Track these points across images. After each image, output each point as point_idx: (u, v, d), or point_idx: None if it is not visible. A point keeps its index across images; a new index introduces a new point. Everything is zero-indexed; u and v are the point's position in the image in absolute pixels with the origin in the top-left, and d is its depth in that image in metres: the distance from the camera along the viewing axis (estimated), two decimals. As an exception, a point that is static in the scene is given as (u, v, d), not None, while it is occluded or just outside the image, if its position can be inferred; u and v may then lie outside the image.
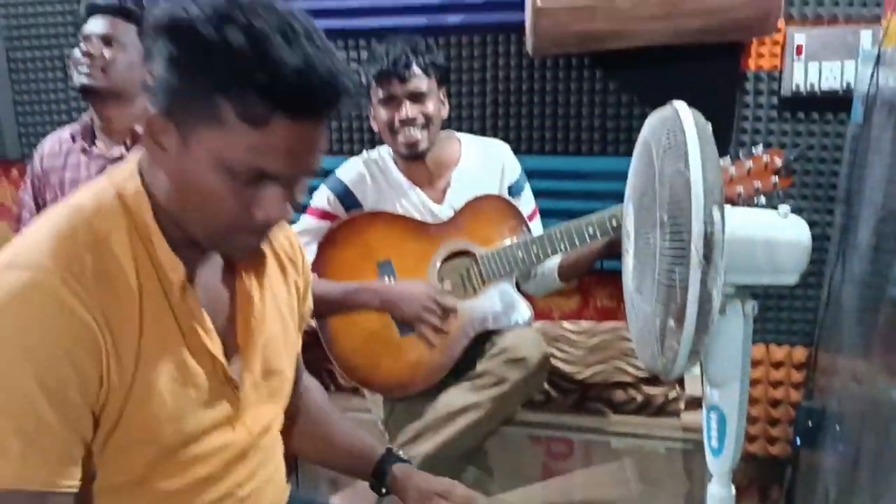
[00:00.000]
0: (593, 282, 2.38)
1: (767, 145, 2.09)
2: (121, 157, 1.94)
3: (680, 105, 1.24)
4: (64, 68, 2.63)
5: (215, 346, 0.96)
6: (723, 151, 1.75)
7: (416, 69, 1.79)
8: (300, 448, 1.26)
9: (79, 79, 1.91)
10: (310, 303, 1.21)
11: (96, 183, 0.94)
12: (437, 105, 1.85)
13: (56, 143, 2.05)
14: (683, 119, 1.20)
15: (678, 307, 1.17)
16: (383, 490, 1.21)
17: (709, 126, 1.20)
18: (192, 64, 0.81)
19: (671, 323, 1.21)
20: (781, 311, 2.26)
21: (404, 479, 1.19)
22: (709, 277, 1.13)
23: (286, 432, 1.17)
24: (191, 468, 0.96)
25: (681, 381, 1.93)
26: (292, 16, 0.82)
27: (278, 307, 1.09)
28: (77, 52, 1.91)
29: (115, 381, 0.86)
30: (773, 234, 1.31)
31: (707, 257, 1.12)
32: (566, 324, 2.25)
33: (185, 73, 0.82)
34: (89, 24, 1.92)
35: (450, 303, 1.78)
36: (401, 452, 1.25)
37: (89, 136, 2.00)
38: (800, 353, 2.26)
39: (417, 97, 1.81)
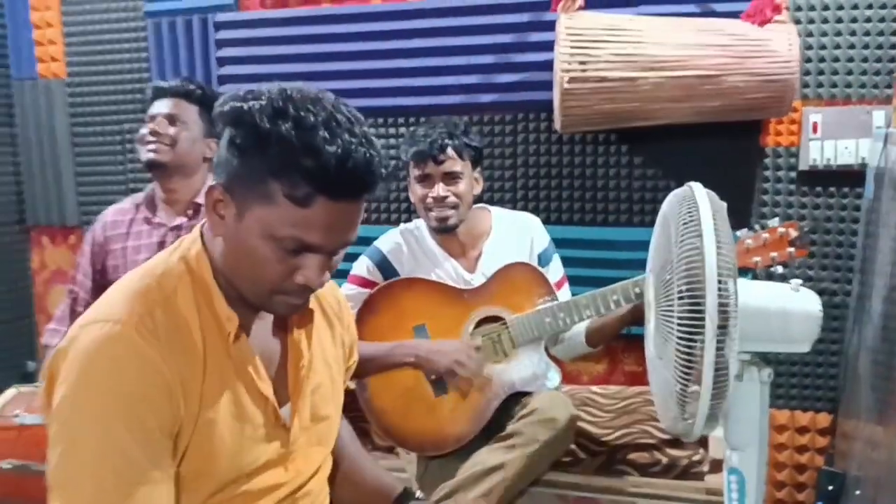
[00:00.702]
0: (621, 347, 2.46)
1: (786, 218, 2.20)
2: (180, 227, 2.11)
3: (696, 186, 1.34)
4: (121, 143, 2.82)
5: (267, 389, 1.08)
6: (742, 223, 1.86)
7: (450, 152, 1.92)
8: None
9: (146, 155, 2.08)
10: (355, 356, 1.33)
11: (167, 250, 1.09)
12: (469, 184, 1.98)
13: (119, 214, 2.21)
14: (699, 199, 1.30)
15: (697, 373, 1.25)
16: None
17: (724, 206, 1.31)
18: (250, 149, 0.94)
19: (690, 388, 1.29)
20: (805, 378, 2.32)
21: None
22: (725, 345, 1.22)
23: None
24: None
25: (705, 444, 1.99)
26: (337, 109, 0.96)
27: (325, 359, 1.21)
28: (144, 131, 2.09)
29: (184, 418, 0.98)
30: (786, 306, 1.39)
31: (722, 326, 1.21)
32: (595, 388, 2.33)
33: (243, 156, 0.95)
34: (155, 106, 2.10)
35: (481, 357, 1.89)
36: (418, 492, 1.33)
37: (152, 206, 2.17)
38: (823, 419, 2.32)
39: (451, 177, 1.94)
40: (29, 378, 2.89)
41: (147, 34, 2.73)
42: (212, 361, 1.02)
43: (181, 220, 2.12)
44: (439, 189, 1.92)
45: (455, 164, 1.93)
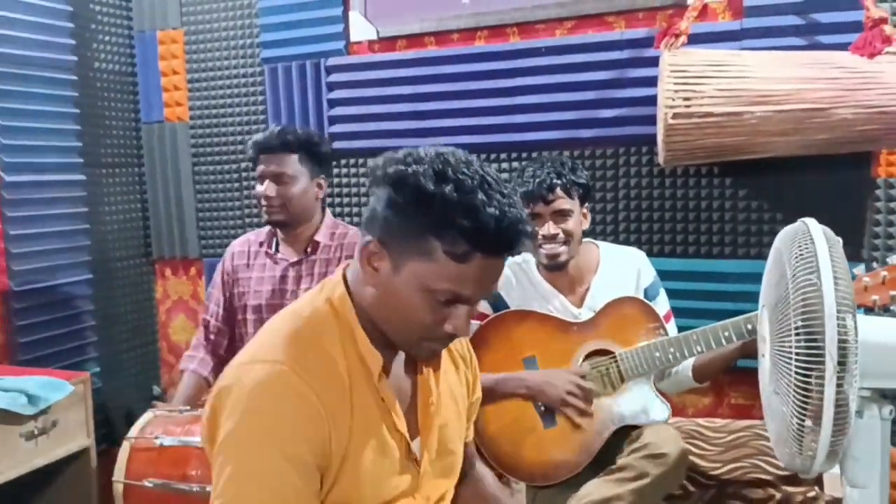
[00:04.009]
0: (727, 380, 2.44)
1: (903, 251, 2.14)
2: (300, 262, 2.25)
3: (810, 221, 1.36)
4: (238, 181, 3.00)
5: (402, 425, 1.16)
6: (855, 257, 1.84)
7: (559, 191, 1.97)
8: None
9: (266, 217, 2.24)
10: (479, 393, 1.40)
11: (311, 292, 1.18)
12: (578, 221, 2.02)
13: (245, 245, 2.37)
14: (814, 234, 1.32)
15: (815, 409, 1.26)
16: None
17: (839, 241, 1.31)
18: (412, 209, 1.03)
19: (808, 423, 1.30)
20: (925, 414, 2.24)
21: None
22: (844, 381, 1.23)
23: None
24: None
25: (820, 482, 1.96)
26: (486, 171, 1.05)
27: (452, 396, 1.28)
28: (258, 190, 2.22)
29: (334, 452, 1.07)
30: None
31: (842, 362, 1.22)
32: (701, 420, 2.32)
33: (404, 215, 1.04)
34: (260, 165, 2.23)
35: (591, 385, 1.93)
36: None
37: (273, 244, 2.32)
38: (946, 458, 2.23)
39: (560, 215, 1.99)
40: (155, 400, 3.09)
41: (264, 79, 2.90)
42: (357, 399, 1.10)
43: (300, 256, 2.25)
44: (549, 227, 1.98)
45: (564, 203, 1.98)
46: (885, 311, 1.76)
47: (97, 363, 2.83)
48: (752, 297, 2.14)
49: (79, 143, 2.77)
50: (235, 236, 2.52)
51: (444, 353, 1.27)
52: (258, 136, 2.26)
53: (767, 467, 2.00)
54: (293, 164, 2.22)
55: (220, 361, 2.43)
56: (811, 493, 1.92)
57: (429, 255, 1.03)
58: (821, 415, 1.26)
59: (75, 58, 2.75)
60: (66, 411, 2.13)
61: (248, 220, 2.99)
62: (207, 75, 3.00)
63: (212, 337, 2.38)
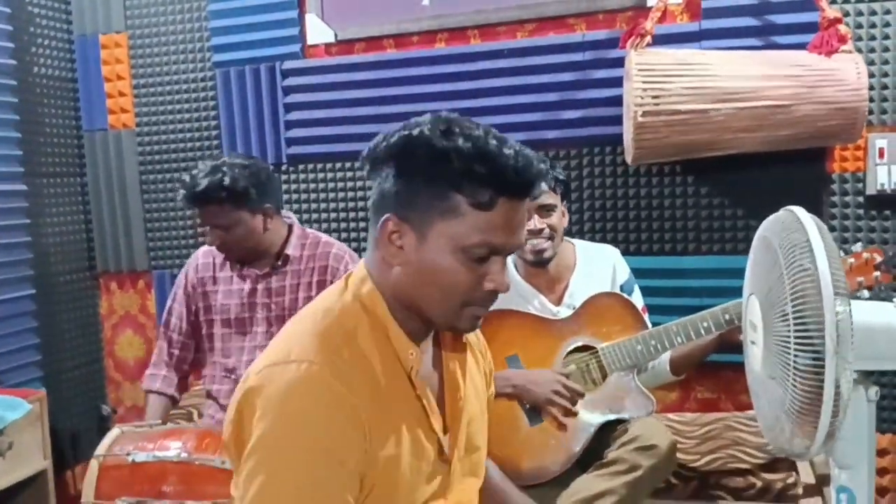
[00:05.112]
0: (693, 375, 2.47)
1: (865, 242, 2.23)
2: (269, 274, 2.18)
3: (798, 209, 1.39)
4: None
5: (439, 425, 1.12)
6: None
7: (544, 185, 1.97)
8: None
9: (226, 260, 2.21)
10: (493, 387, 1.38)
11: (336, 288, 1.14)
12: (560, 217, 2.03)
13: (210, 256, 2.27)
14: (805, 222, 1.35)
15: (808, 392, 1.29)
16: None
17: (826, 228, 1.35)
18: (427, 170, 1.01)
19: (807, 407, 1.32)
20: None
21: None
22: (839, 364, 1.26)
23: None
24: None
25: (796, 469, 2.01)
26: (485, 126, 1.04)
27: (476, 391, 1.25)
28: (208, 241, 2.14)
29: (373, 450, 1.02)
30: (891, 322, 1.42)
31: (837, 345, 1.25)
32: (671, 415, 2.36)
33: (420, 179, 1.02)
34: (200, 215, 2.14)
35: (577, 386, 1.94)
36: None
37: None
38: (927, 442, 2.33)
39: (545, 210, 2.00)
40: (104, 421, 2.95)
41: (216, 83, 2.82)
42: (393, 399, 1.06)
43: (269, 269, 2.19)
44: (535, 222, 1.98)
45: (548, 198, 1.99)
46: (852, 297, 1.82)
47: (41, 382, 2.68)
48: (717, 292, 2.21)
49: (19, 152, 2.65)
50: (187, 247, 2.44)
51: (468, 347, 1.24)
52: (185, 185, 2.10)
53: (744, 457, 2.05)
54: (227, 214, 2.09)
55: (185, 376, 2.35)
56: (790, 479, 1.97)
57: (454, 212, 1.00)
58: (820, 397, 1.28)
59: (14, 62, 2.62)
60: (22, 432, 2.02)
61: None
62: (155, 80, 2.90)
63: (175, 352, 2.28)
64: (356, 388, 1.01)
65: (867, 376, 1.46)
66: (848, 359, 1.27)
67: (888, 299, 1.48)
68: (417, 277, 1.06)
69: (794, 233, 1.36)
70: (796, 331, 1.29)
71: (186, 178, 2.09)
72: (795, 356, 1.29)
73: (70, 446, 2.83)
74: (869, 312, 1.45)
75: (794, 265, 1.33)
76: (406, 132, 1.03)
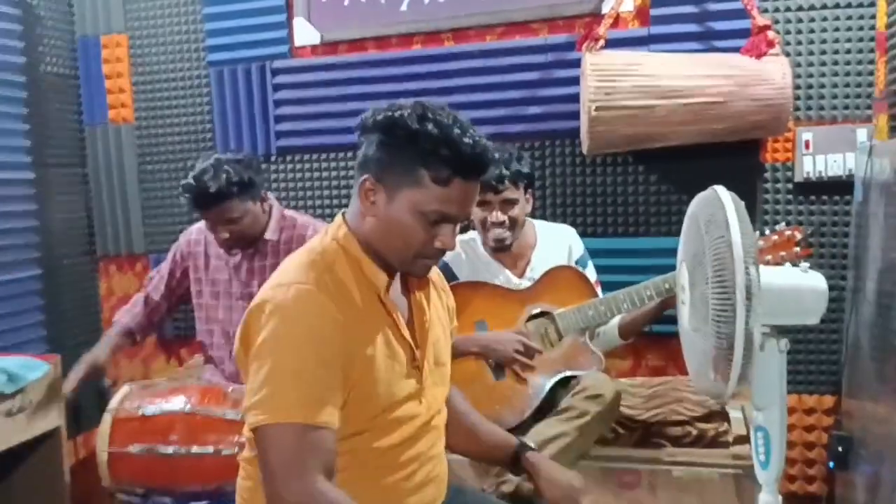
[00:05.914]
0: (643, 344, 2.75)
1: (794, 223, 2.51)
2: (254, 252, 2.41)
3: (720, 188, 1.65)
4: (185, 177, 3.06)
5: (407, 334, 1.39)
6: (748, 229, 2.17)
7: (507, 182, 2.21)
8: (449, 440, 1.59)
9: (234, 253, 2.40)
10: (455, 321, 1.65)
11: (318, 235, 1.41)
12: (522, 208, 2.27)
13: (202, 234, 2.50)
14: (723, 198, 1.60)
15: (728, 342, 1.54)
16: (520, 473, 1.61)
17: (742, 203, 1.61)
18: (403, 145, 1.28)
19: (723, 354, 1.57)
20: (810, 365, 2.63)
21: (536, 464, 1.57)
22: (750, 317, 1.52)
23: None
24: (395, 429, 1.36)
25: (728, 420, 2.27)
26: (455, 115, 1.31)
27: (439, 317, 1.53)
28: (222, 237, 2.32)
29: (354, 354, 1.29)
30: (798, 283, 1.67)
31: (748, 302, 1.50)
32: (623, 380, 2.62)
33: (395, 152, 1.29)
34: (204, 213, 2.30)
35: (535, 345, 2.20)
36: (530, 442, 1.62)
37: None
38: (828, 401, 2.62)
39: (507, 203, 2.24)
40: (103, 394, 3.15)
41: (210, 80, 3.05)
42: (367, 312, 1.33)
43: (252, 250, 2.42)
44: (497, 215, 2.22)
45: (511, 193, 2.23)
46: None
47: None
48: (663, 269, 2.43)
49: (27, 143, 2.85)
50: (182, 231, 2.63)
51: (430, 284, 1.50)
52: (194, 189, 2.22)
53: (684, 411, 2.31)
54: (236, 207, 2.26)
55: (150, 324, 2.55)
56: (722, 429, 2.24)
57: (418, 182, 1.27)
58: (733, 344, 1.53)
59: (23, 59, 2.82)
60: (40, 391, 2.23)
61: (195, 216, 3.08)
62: (153, 78, 3.12)
63: (148, 310, 2.51)
64: (339, 303, 1.28)
65: (780, 332, 1.71)
66: (757, 311, 1.52)
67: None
68: (384, 228, 1.33)
69: (714, 208, 1.62)
70: (714, 289, 1.54)
71: (191, 182, 2.22)
72: (713, 309, 1.55)
73: (72, 418, 3.03)
74: (779, 275, 1.69)
75: (714, 234, 1.59)
76: (390, 112, 1.30)
